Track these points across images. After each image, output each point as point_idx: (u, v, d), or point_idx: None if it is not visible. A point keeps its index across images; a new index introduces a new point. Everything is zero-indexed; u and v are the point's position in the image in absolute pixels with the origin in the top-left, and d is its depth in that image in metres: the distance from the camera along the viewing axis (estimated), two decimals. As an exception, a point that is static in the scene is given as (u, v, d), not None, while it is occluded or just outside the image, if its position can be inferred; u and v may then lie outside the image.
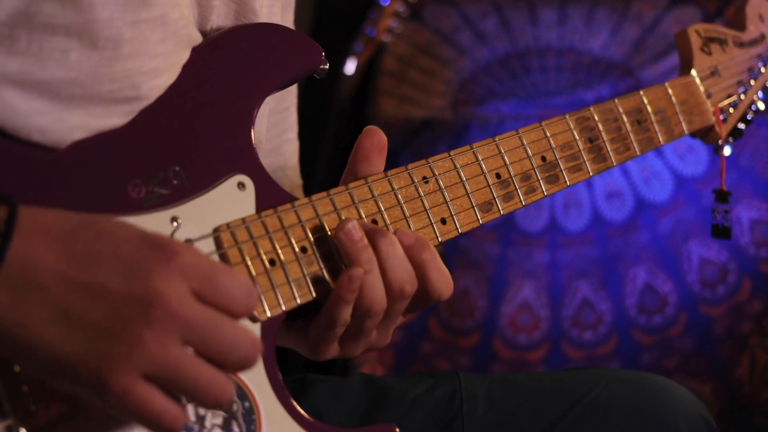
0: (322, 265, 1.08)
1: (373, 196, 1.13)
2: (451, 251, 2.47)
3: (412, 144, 2.52)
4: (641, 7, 2.46)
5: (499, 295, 2.44)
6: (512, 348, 2.43)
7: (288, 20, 1.30)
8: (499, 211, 1.21)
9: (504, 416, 1.32)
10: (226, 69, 1.10)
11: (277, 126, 1.33)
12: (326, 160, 2.64)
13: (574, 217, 2.43)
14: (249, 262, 1.04)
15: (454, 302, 2.44)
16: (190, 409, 1.03)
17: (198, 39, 1.11)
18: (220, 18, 1.16)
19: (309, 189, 1.13)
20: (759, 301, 2.27)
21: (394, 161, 1.17)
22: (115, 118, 1.03)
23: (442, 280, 1.12)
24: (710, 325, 2.30)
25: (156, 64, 1.04)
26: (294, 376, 1.40)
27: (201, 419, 1.03)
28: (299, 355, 2.68)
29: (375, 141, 1.16)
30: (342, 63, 2.61)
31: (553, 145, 1.26)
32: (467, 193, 1.19)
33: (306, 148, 2.87)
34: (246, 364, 0.92)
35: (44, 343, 0.87)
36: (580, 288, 2.40)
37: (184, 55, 1.09)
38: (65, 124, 1.00)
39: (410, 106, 2.57)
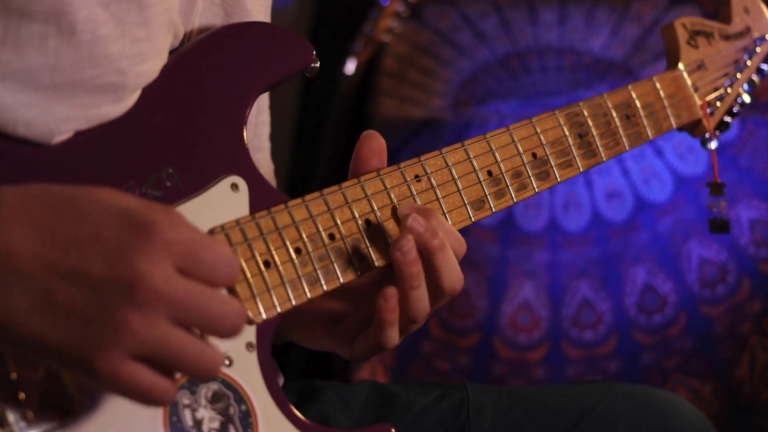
0: (316, 266, 1.08)
1: (366, 195, 1.13)
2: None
3: (412, 144, 2.52)
4: (641, 7, 2.46)
5: (499, 295, 2.44)
6: (512, 348, 2.42)
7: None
8: (491, 208, 1.20)
9: (511, 429, 1.32)
10: (218, 68, 1.10)
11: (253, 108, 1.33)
12: (326, 161, 2.64)
13: (574, 217, 2.43)
14: (244, 264, 1.04)
15: (454, 302, 2.44)
16: (188, 413, 1.02)
17: (179, 26, 1.10)
18: (206, 3, 1.15)
19: (309, 188, 1.12)
20: (759, 301, 2.26)
21: (393, 162, 1.17)
22: (104, 107, 1.02)
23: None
24: (710, 325, 2.30)
25: (139, 49, 1.03)
26: (301, 382, 1.40)
27: (198, 423, 1.03)
28: (299, 359, 2.66)
29: (374, 146, 1.16)
30: (342, 63, 2.61)
31: (544, 142, 1.25)
32: (459, 191, 1.19)
33: (306, 148, 2.88)
34: (233, 334, 0.93)
35: (30, 331, 0.87)
36: (580, 288, 2.40)
37: (167, 41, 1.08)
38: (52, 116, 0.99)
39: (410, 106, 2.57)
